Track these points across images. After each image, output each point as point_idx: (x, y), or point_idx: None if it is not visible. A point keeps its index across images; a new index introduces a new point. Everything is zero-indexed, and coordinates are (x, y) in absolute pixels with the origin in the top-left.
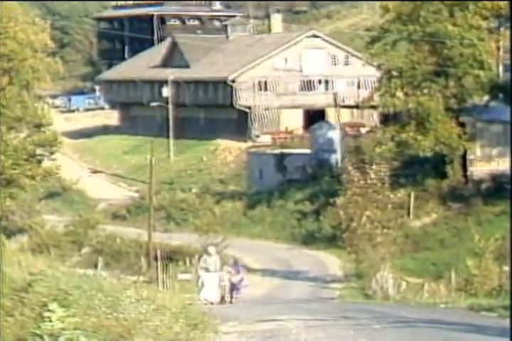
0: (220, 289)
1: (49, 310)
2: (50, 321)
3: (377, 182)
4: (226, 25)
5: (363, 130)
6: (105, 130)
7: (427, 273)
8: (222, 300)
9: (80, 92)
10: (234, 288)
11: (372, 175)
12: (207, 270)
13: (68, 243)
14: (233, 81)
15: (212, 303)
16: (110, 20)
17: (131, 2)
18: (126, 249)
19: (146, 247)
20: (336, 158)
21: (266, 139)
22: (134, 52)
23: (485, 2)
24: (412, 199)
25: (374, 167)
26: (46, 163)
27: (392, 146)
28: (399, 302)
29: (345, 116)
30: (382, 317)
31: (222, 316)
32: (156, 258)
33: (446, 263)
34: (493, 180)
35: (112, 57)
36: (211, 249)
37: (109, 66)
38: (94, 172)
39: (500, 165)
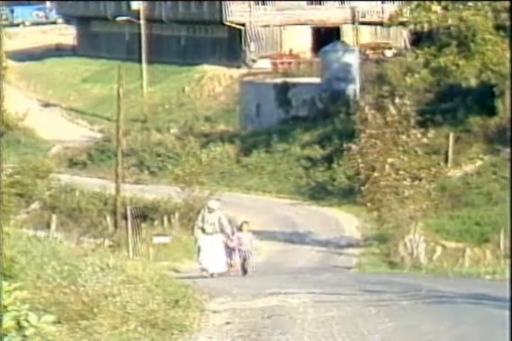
0: (238, 256)
1: None
2: None
3: (400, 120)
4: None
5: (389, 53)
6: (59, 51)
7: (468, 235)
8: (245, 270)
9: (25, 2)
10: (230, 254)
11: (393, 111)
12: (204, 231)
13: (13, 196)
14: None
15: (212, 275)
16: None
17: None
18: (87, 205)
19: (113, 203)
20: (353, 89)
21: (264, 65)
22: None
23: None
24: (451, 141)
25: (396, 100)
26: None
27: (427, 74)
28: (433, 272)
29: (366, 35)
30: (411, 291)
31: (210, 290)
32: (125, 217)
33: (493, 223)
34: None
35: None
36: (213, 204)
37: None
38: (46, 105)
39: None
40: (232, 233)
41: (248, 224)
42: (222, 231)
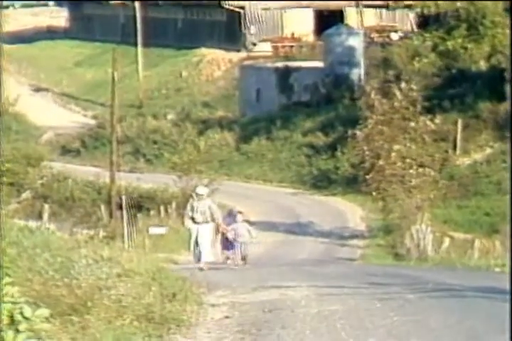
0: (238, 247)
1: None
2: None
3: (407, 106)
4: None
5: (395, 36)
6: (51, 33)
7: (477, 226)
8: (244, 260)
9: None
10: (229, 246)
11: (400, 97)
12: (194, 220)
13: (3, 185)
14: None
15: (201, 268)
16: None
17: None
18: (81, 195)
19: (108, 192)
20: (358, 73)
21: (265, 48)
22: None
23: None
24: (460, 128)
25: (402, 85)
26: None
27: (435, 58)
28: (440, 264)
29: (371, 18)
30: (417, 283)
31: (208, 283)
32: (120, 207)
33: (503, 214)
34: None
35: None
36: (202, 190)
37: None
38: (38, 90)
39: None
40: (229, 224)
41: (243, 214)
42: (212, 220)
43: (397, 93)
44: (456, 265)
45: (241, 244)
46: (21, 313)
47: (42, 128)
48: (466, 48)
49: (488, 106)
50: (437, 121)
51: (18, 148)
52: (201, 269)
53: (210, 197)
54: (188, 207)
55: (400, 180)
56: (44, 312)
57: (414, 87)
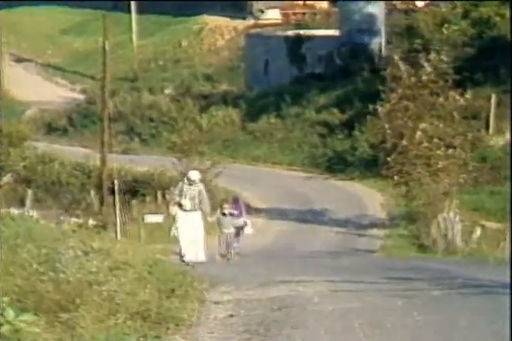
0: (224, 240)
1: None
2: None
3: (436, 80)
4: None
5: (420, 3)
6: None
7: None
8: (224, 256)
9: None
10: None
11: (429, 69)
12: (181, 207)
13: None
14: None
15: (188, 264)
16: None
17: None
18: (68, 179)
19: (98, 176)
20: (378, 42)
21: (274, 16)
22: None
23: None
24: (493, 104)
25: (431, 56)
26: None
27: (466, 25)
28: (470, 257)
29: None
30: (444, 278)
31: (211, 277)
32: (112, 192)
33: None
34: None
35: None
36: (194, 175)
37: None
38: (20, 60)
39: None
40: (240, 213)
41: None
42: (200, 208)
43: (425, 64)
44: (487, 258)
45: (227, 236)
46: (2, 314)
47: (25, 103)
48: (501, 15)
49: None
50: (468, 96)
51: None
52: (187, 264)
53: (211, 181)
54: (176, 192)
55: (426, 163)
56: (29, 317)
57: (444, 58)
